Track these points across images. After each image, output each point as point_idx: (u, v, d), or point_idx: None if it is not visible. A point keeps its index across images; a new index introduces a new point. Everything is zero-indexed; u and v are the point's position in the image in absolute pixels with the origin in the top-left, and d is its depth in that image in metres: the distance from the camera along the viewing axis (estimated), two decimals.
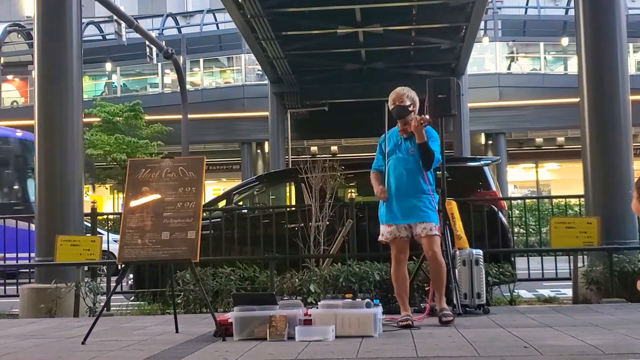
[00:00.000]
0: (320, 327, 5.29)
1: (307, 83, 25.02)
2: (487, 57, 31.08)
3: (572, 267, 8.02)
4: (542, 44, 31.35)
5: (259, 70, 29.13)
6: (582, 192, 8.71)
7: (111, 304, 8.08)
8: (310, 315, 5.47)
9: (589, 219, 7.96)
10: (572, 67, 28.19)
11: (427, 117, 5.98)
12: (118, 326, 6.72)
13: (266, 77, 26.28)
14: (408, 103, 6.09)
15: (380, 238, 6.12)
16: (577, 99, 8.53)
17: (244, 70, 32.51)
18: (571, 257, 8.12)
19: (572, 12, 9.49)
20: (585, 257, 8.26)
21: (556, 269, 9.05)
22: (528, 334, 5.22)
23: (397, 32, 21.19)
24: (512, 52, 32.48)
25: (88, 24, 31.65)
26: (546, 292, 9.21)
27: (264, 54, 22.17)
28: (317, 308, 5.60)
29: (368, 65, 23.48)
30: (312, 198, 8.24)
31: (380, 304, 5.68)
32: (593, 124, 8.23)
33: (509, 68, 31.75)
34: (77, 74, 8.75)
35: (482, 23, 25.81)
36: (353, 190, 8.81)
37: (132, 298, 9.32)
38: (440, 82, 7.32)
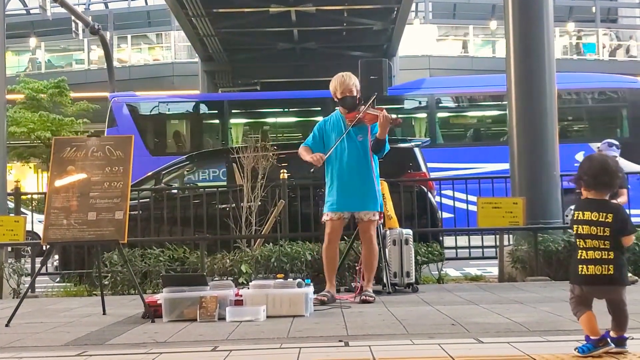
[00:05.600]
0: (251, 308, 5.28)
1: (239, 62, 24.69)
2: (417, 39, 31.37)
3: (498, 246, 8.23)
4: (471, 27, 31.88)
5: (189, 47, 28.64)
6: None
7: (36, 285, 7.87)
8: (241, 296, 5.45)
9: (515, 199, 8.16)
10: (500, 50, 28.75)
11: (399, 118, 6.11)
12: (43, 308, 6.55)
13: (197, 54, 25.83)
14: (355, 93, 6.17)
15: (325, 218, 6.17)
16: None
17: (173, 47, 31.90)
18: (497, 236, 8.32)
19: None
20: (510, 236, 8.48)
21: (483, 248, 9.26)
22: (455, 312, 5.33)
23: (329, 12, 21.09)
24: (442, 35, 32.90)
25: None
26: (473, 271, 9.42)
27: (194, 31, 21.74)
28: (249, 288, 5.59)
29: (301, 45, 23.34)
30: (244, 178, 8.17)
31: (311, 284, 5.73)
32: (519, 106, 8.41)
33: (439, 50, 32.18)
34: None
35: (414, 5, 26.00)
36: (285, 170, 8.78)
37: (58, 279, 9.09)
38: (373, 64, 7.41)
